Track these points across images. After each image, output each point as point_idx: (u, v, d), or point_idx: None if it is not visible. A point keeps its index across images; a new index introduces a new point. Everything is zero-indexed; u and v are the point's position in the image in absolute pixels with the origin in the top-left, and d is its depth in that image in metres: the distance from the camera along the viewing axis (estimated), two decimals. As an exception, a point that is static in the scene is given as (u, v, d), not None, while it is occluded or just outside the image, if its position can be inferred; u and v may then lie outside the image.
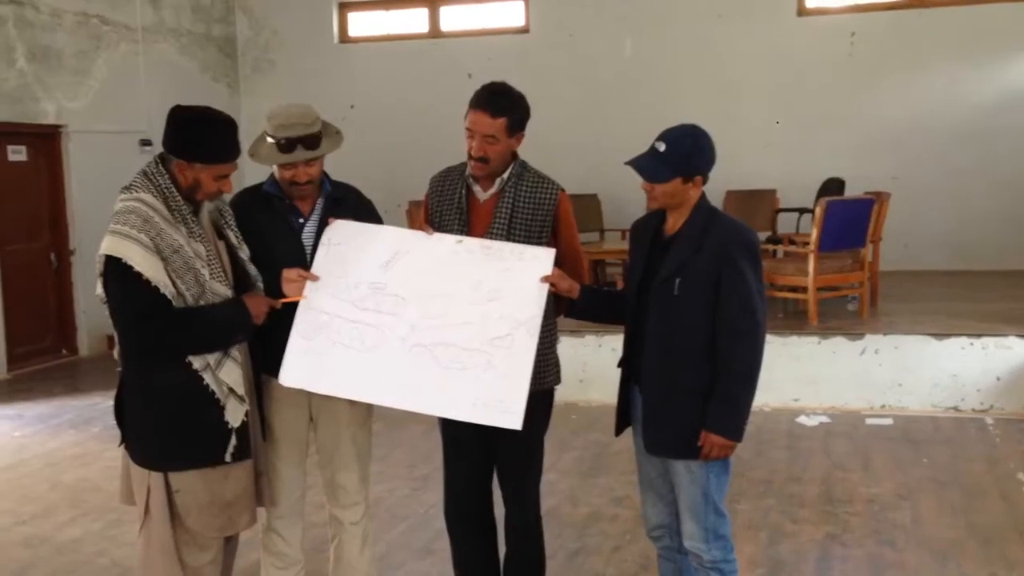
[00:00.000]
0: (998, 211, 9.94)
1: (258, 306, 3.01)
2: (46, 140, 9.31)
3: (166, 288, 2.79)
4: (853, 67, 10.27)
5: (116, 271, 2.79)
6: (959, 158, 10.00)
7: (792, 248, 8.00)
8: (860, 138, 10.18)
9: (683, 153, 2.99)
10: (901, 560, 4.24)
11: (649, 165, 3.00)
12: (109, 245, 2.80)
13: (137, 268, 2.76)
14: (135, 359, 2.93)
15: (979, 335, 6.62)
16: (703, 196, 3.08)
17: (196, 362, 2.89)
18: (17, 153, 9.05)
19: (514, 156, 3.32)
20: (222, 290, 2.94)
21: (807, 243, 7.34)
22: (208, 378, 2.90)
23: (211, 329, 2.91)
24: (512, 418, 3.06)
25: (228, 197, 3.15)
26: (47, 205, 9.38)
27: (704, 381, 3.00)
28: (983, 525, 4.62)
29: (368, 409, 3.42)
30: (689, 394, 3.02)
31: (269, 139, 3.20)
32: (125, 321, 2.86)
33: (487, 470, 3.49)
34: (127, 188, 2.89)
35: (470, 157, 3.24)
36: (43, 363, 9.14)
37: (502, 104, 3.20)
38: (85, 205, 9.38)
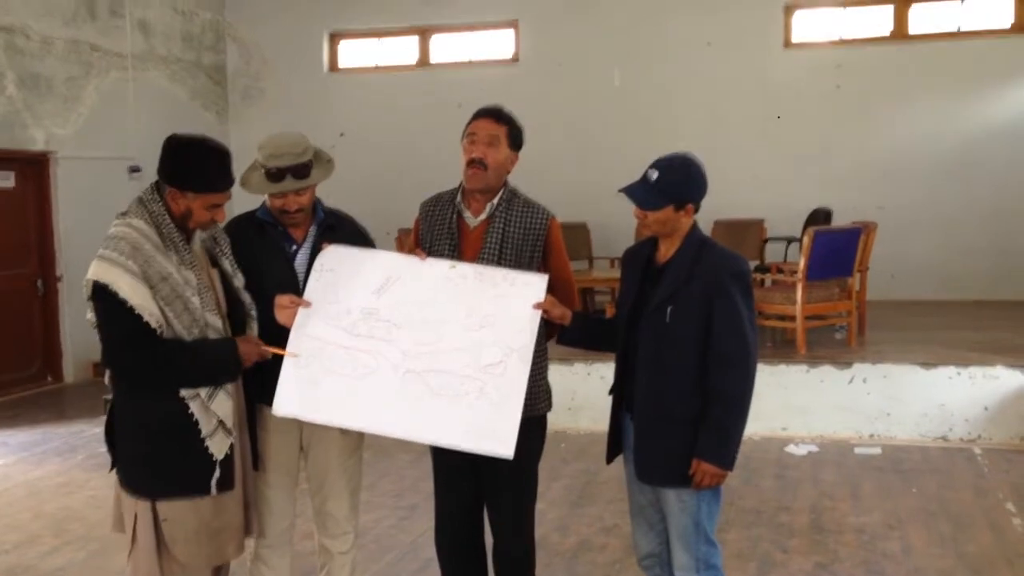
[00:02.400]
0: (984, 241, 10.03)
1: (249, 352, 2.99)
2: (34, 166, 9.29)
3: (151, 316, 2.78)
4: (839, 99, 10.38)
5: (102, 297, 2.78)
6: (945, 188, 10.10)
7: (780, 277, 8.04)
8: (847, 168, 10.28)
9: (675, 181, 3.01)
10: (892, 590, 4.24)
11: (641, 193, 3.02)
12: (96, 271, 2.80)
13: (123, 295, 2.75)
14: (122, 385, 2.92)
15: (967, 365, 6.64)
16: (695, 224, 3.10)
17: (185, 392, 2.87)
18: (5, 179, 9.04)
19: (505, 183, 3.34)
20: (214, 320, 2.93)
21: (795, 272, 7.37)
22: (196, 408, 2.88)
23: (197, 366, 2.89)
24: (504, 447, 3.05)
25: (222, 225, 3.14)
26: (34, 231, 9.35)
27: (695, 409, 3.00)
28: (972, 555, 4.61)
29: (359, 438, 3.40)
30: (680, 422, 3.02)
31: (260, 168, 3.20)
32: (109, 347, 2.85)
33: (478, 498, 3.46)
34: (122, 214, 2.89)
35: (468, 165, 3.25)
36: (29, 390, 9.07)
37: (505, 116, 3.32)
38: (73, 231, 9.35)
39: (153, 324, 2.78)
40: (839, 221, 8.91)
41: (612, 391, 3.29)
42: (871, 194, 10.05)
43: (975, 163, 10.02)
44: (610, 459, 3.31)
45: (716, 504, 3.11)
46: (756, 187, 10.35)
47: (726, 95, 10.60)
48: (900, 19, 10.50)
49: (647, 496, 3.19)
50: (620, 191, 3.06)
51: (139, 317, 2.76)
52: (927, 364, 6.72)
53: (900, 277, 9.95)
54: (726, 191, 9.91)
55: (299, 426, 3.26)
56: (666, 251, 3.10)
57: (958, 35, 10.24)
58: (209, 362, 2.91)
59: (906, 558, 4.60)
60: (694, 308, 2.98)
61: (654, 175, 3.01)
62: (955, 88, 10.14)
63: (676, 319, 3.00)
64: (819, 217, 9.06)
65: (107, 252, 2.80)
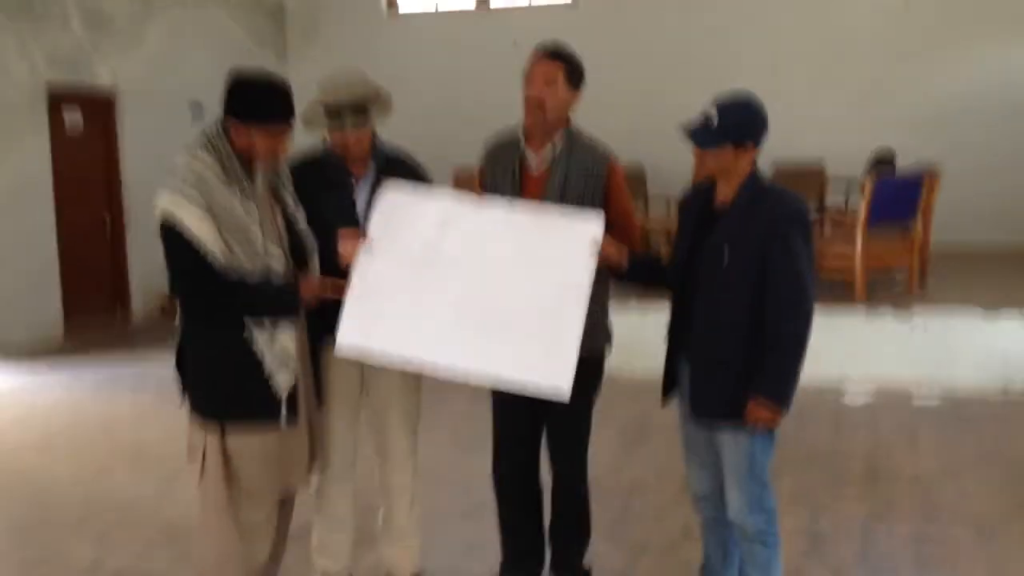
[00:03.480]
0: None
1: (310, 291, 3.06)
2: (101, 104, 9.47)
3: (215, 246, 2.85)
4: (905, 38, 10.09)
5: (169, 231, 2.87)
6: (1013, 131, 9.79)
7: (840, 219, 7.91)
8: (911, 110, 10.03)
9: (736, 121, 2.99)
10: (945, 536, 4.23)
11: (701, 132, 3.00)
12: (164, 201, 2.86)
13: (187, 225, 2.82)
14: (189, 318, 3.01)
15: (1032, 313, 6.52)
16: (755, 166, 3.07)
17: (251, 328, 2.95)
18: (73, 117, 9.22)
19: (567, 123, 3.33)
20: (275, 251, 3.00)
21: (855, 217, 7.25)
22: (261, 344, 2.96)
23: (257, 303, 2.96)
24: (560, 388, 3.07)
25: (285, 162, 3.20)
26: (102, 169, 9.56)
27: (752, 351, 2.99)
28: (1030, 504, 4.59)
29: (418, 375, 3.47)
30: (736, 363, 3.02)
31: (320, 106, 3.25)
32: (175, 279, 2.95)
33: (536, 434, 3.54)
34: (188, 147, 2.96)
35: (526, 106, 3.26)
36: (99, 324, 9.35)
37: (563, 53, 3.31)
38: (138, 170, 9.54)
39: (217, 252, 2.86)
40: (902, 162, 8.72)
41: (668, 333, 3.30)
42: (935, 136, 9.79)
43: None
44: (665, 400, 3.34)
45: (770, 446, 3.13)
46: (817, 129, 10.14)
47: (786, 35, 10.38)
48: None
49: (701, 437, 3.21)
50: (681, 129, 3.04)
51: (204, 253, 2.84)
52: (989, 312, 6.60)
53: (965, 223, 9.71)
54: (786, 133, 9.68)
55: (359, 364, 3.33)
56: (725, 193, 3.08)
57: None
58: (270, 300, 2.98)
59: (961, 505, 4.59)
60: (752, 251, 2.97)
61: (714, 114, 2.98)
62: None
63: (733, 262, 2.99)
64: (883, 159, 8.87)
65: (175, 182, 2.87)
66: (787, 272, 2.95)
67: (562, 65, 3.26)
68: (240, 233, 2.90)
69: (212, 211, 2.85)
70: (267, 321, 2.96)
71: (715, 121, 2.98)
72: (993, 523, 4.35)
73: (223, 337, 2.96)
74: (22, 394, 7.08)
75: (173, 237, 2.86)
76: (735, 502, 3.12)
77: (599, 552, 3.92)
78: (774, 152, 9.46)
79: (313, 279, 3.11)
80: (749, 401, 2.99)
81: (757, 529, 3.09)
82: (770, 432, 3.09)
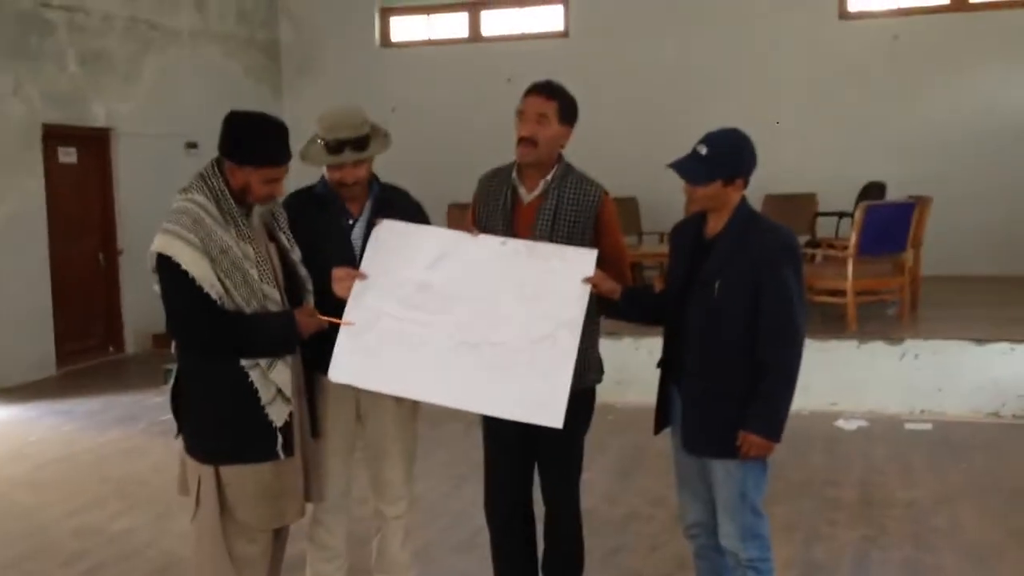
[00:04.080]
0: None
1: (307, 323, 3.08)
2: (96, 142, 9.53)
3: (212, 288, 2.88)
4: (895, 70, 10.22)
5: (165, 268, 2.89)
6: (1004, 161, 9.90)
7: (831, 252, 7.98)
8: (903, 141, 10.12)
9: (724, 156, 3.04)
10: (939, 564, 4.25)
11: (691, 167, 3.05)
12: (160, 243, 2.90)
13: (184, 266, 2.85)
14: (187, 354, 3.03)
15: (1021, 341, 6.56)
16: (744, 199, 3.12)
17: (245, 362, 2.98)
18: (68, 155, 9.28)
19: (560, 158, 3.39)
20: (272, 292, 3.02)
21: (846, 247, 7.32)
22: (255, 377, 2.98)
23: (256, 338, 2.99)
24: (553, 417, 3.11)
25: (280, 199, 3.23)
26: (96, 205, 9.60)
27: (744, 382, 3.03)
28: (1023, 530, 4.59)
29: (414, 406, 3.49)
30: (728, 395, 3.06)
31: (319, 141, 3.29)
32: (172, 317, 2.96)
33: (528, 466, 3.55)
34: (184, 190, 2.99)
35: (519, 142, 3.31)
36: (91, 360, 9.35)
37: (556, 90, 3.34)
38: (133, 206, 9.59)
39: (213, 295, 2.88)
40: (893, 195, 8.81)
41: (660, 364, 3.34)
42: (928, 167, 9.87)
43: (1035, 136, 9.82)
44: (658, 430, 3.37)
45: (763, 476, 3.15)
46: (808, 161, 10.24)
47: (779, 67, 10.49)
48: (956, -12, 10.28)
49: (694, 467, 3.24)
50: (669, 166, 3.09)
51: (200, 288, 2.86)
52: (980, 340, 6.66)
53: (957, 252, 9.77)
54: (778, 164, 9.83)
55: (355, 395, 3.36)
56: (715, 225, 3.12)
57: (1018, 4, 10.00)
58: (268, 334, 3.01)
59: (955, 533, 4.61)
60: (743, 282, 3.01)
61: (704, 150, 3.04)
62: (1014, 58, 9.93)
63: (725, 293, 3.03)
64: (872, 191, 8.97)
65: (170, 225, 2.90)
66: (777, 304, 2.99)
67: (555, 102, 3.31)
68: (237, 274, 2.93)
69: (208, 253, 2.88)
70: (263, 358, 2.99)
71: (705, 157, 3.03)
72: (987, 551, 4.37)
73: (218, 371, 2.98)
74: (14, 427, 7.07)
75: (169, 273, 2.88)
76: (729, 531, 3.14)
77: (594, 583, 3.93)
78: (765, 183, 9.59)
79: (308, 309, 3.13)
80: (741, 433, 3.02)
81: (751, 557, 3.11)
82: (763, 462, 3.12)
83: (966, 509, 4.91)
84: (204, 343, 2.96)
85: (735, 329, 3.02)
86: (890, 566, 4.25)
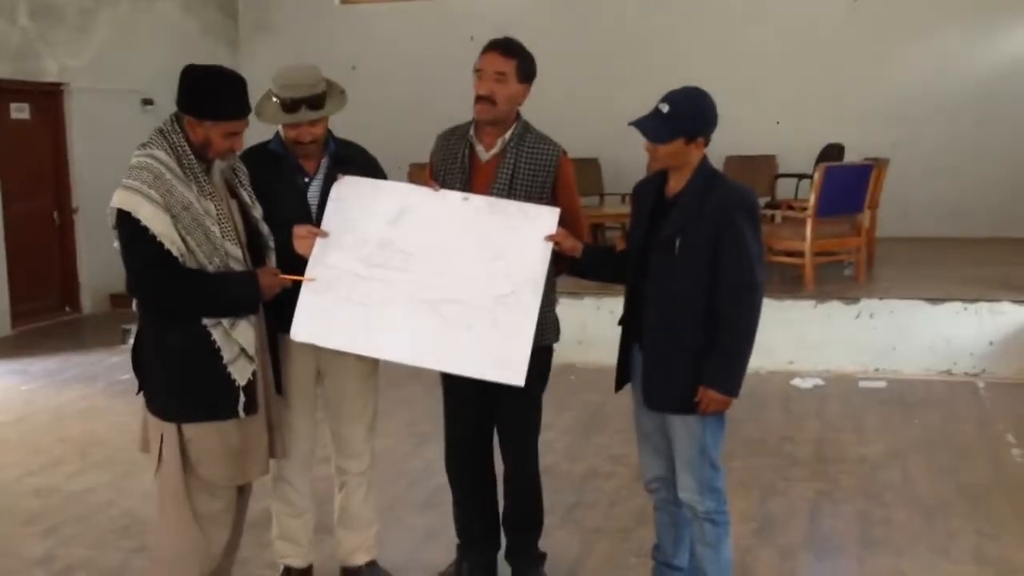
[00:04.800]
0: (999, 178, 9.99)
1: (270, 284, 3.06)
2: (48, 98, 9.34)
3: (172, 244, 2.85)
4: (855, 34, 10.28)
5: (125, 224, 2.86)
6: (961, 125, 10.04)
7: (790, 213, 8.07)
8: (862, 105, 10.22)
9: (686, 115, 3.05)
10: (889, 516, 4.36)
11: (653, 126, 3.06)
12: (119, 199, 2.86)
13: (144, 222, 2.82)
14: (147, 312, 3.01)
15: (974, 300, 6.71)
16: (705, 158, 3.14)
17: (207, 320, 2.96)
18: (20, 111, 9.08)
19: (517, 116, 3.38)
20: (234, 250, 3.00)
21: (805, 208, 7.40)
22: (217, 336, 2.96)
23: (218, 297, 2.97)
24: (515, 375, 3.15)
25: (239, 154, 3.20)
26: (50, 163, 9.43)
27: (703, 339, 3.07)
28: (971, 484, 4.73)
29: (374, 364, 3.51)
30: (688, 352, 3.09)
31: (274, 99, 3.27)
32: (132, 273, 2.93)
33: (487, 424, 3.58)
34: (143, 145, 2.94)
35: (476, 100, 3.30)
36: (47, 320, 9.23)
37: (514, 47, 3.32)
38: (87, 163, 9.43)
39: (175, 252, 2.86)
40: (852, 158, 8.89)
41: (621, 322, 3.37)
42: (886, 130, 9.99)
43: (993, 100, 9.95)
44: (618, 387, 3.40)
45: (721, 430, 3.21)
46: (769, 123, 10.31)
47: (740, 29, 10.50)
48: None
49: (654, 423, 3.28)
50: (631, 124, 3.10)
51: (160, 244, 2.83)
52: (934, 300, 6.79)
53: (913, 214, 9.93)
54: (739, 127, 9.85)
55: (316, 353, 3.36)
56: (676, 184, 3.14)
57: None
58: (231, 294, 2.99)
59: (905, 487, 4.73)
60: (703, 241, 3.04)
61: (666, 108, 3.05)
62: (973, 23, 10.04)
63: (685, 251, 3.06)
64: (831, 153, 9.05)
65: (130, 181, 2.87)
66: (736, 261, 3.03)
67: (514, 60, 3.29)
68: (199, 231, 2.90)
69: (170, 209, 2.84)
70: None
71: (667, 115, 3.04)
72: (936, 504, 4.49)
73: (180, 330, 2.96)
74: (-30, 389, 6.98)
75: (129, 230, 2.85)
76: (687, 484, 3.19)
77: (555, 538, 3.99)
78: (726, 145, 9.65)
79: (271, 269, 3.12)
80: (700, 389, 3.07)
81: (708, 509, 3.17)
82: (720, 417, 3.17)
83: (917, 464, 5.04)
84: (164, 301, 2.94)
85: (694, 286, 3.06)
86: (842, 519, 4.36)
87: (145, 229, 2.83)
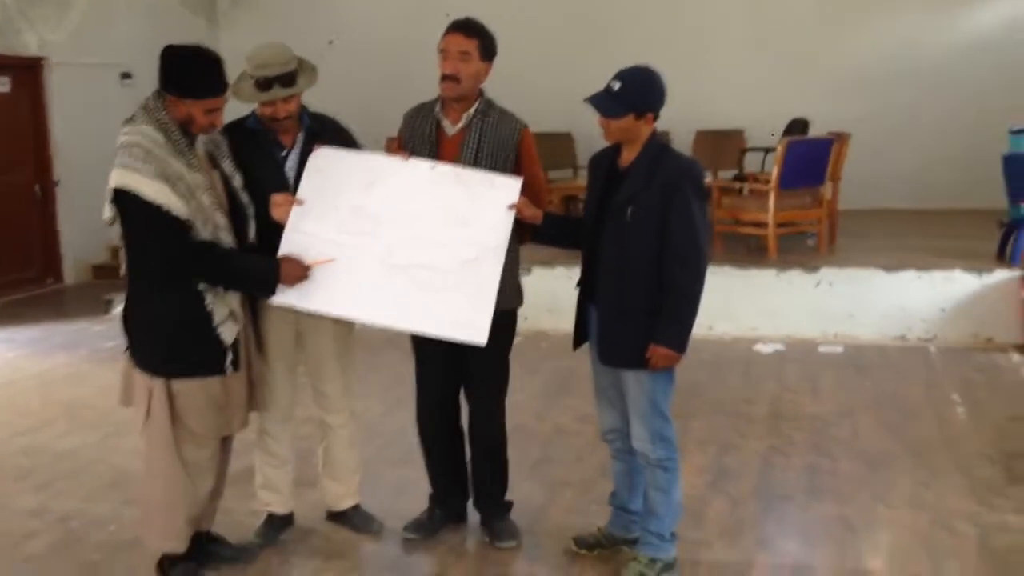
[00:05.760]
0: (960, 150, 10.23)
1: (292, 272, 3.29)
2: (28, 72, 9.43)
3: (179, 211, 3.06)
4: (820, 9, 10.50)
5: (128, 202, 3.05)
6: (922, 99, 10.30)
7: (755, 186, 8.32)
8: (828, 79, 10.45)
9: (636, 91, 3.28)
10: (836, 468, 4.65)
11: (605, 102, 3.29)
12: (117, 178, 3.06)
13: (148, 197, 3.02)
14: (140, 279, 3.21)
15: (928, 269, 7.00)
16: (655, 132, 3.38)
17: (203, 285, 3.18)
18: (1, 85, 9.18)
19: (480, 93, 3.60)
20: (220, 219, 3.22)
21: (769, 181, 7.66)
22: (210, 299, 3.19)
23: (237, 276, 3.24)
24: (478, 335, 3.39)
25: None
26: (30, 137, 9.54)
27: (653, 300, 3.31)
28: (915, 440, 5.02)
29: (350, 325, 3.73)
30: (639, 312, 3.34)
31: (249, 78, 3.46)
32: (142, 250, 3.13)
33: (455, 383, 3.82)
34: (129, 120, 3.15)
35: (442, 79, 3.51)
36: (30, 291, 9.38)
37: (476, 28, 3.53)
38: (68, 136, 9.56)
39: (183, 216, 3.06)
40: (819, 131, 9.14)
41: (579, 284, 3.62)
42: (851, 104, 10.23)
43: (956, 72, 10.20)
44: (576, 346, 3.66)
45: (670, 384, 3.46)
46: (737, 98, 10.53)
47: (708, 6, 10.71)
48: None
49: (609, 378, 3.54)
50: (585, 100, 3.33)
51: (167, 212, 3.04)
52: (890, 268, 7.07)
53: (876, 187, 10.20)
54: (708, 102, 10.18)
55: (295, 314, 3.57)
56: (627, 156, 3.38)
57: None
58: (249, 276, 3.25)
59: (853, 442, 5.02)
60: (652, 208, 3.28)
61: (616, 85, 3.28)
62: (937, -1, 10.30)
63: (636, 218, 3.30)
64: (796, 127, 9.30)
65: (123, 159, 3.06)
66: (682, 227, 3.27)
67: (476, 40, 3.50)
68: (193, 200, 3.12)
69: (168, 179, 3.05)
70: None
71: (617, 92, 3.27)
72: (880, 458, 4.78)
73: (177, 292, 3.17)
74: (-44, 357, 7.16)
75: (133, 206, 3.04)
76: (639, 434, 3.45)
77: (522, 489, 4.24)
78: (696, 119, 9.83)
79: (293, 258, 3.31)
80: (651, 346, 3.32)
81: (659, 456, 3.43)
82: (669, 372, 3.42)
83: (865, 422, 5.33)
84: (179, 265, 3.13)
85: (644, 251, 3.30)
86: (792, 471, 4.64)
87: (149, 204, 3.02)
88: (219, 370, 3.26)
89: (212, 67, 3.19)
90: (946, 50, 10.27)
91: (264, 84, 3.42)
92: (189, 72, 3.15)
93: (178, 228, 3.08)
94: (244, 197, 3.39)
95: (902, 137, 10.34)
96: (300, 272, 3.32)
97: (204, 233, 3.14)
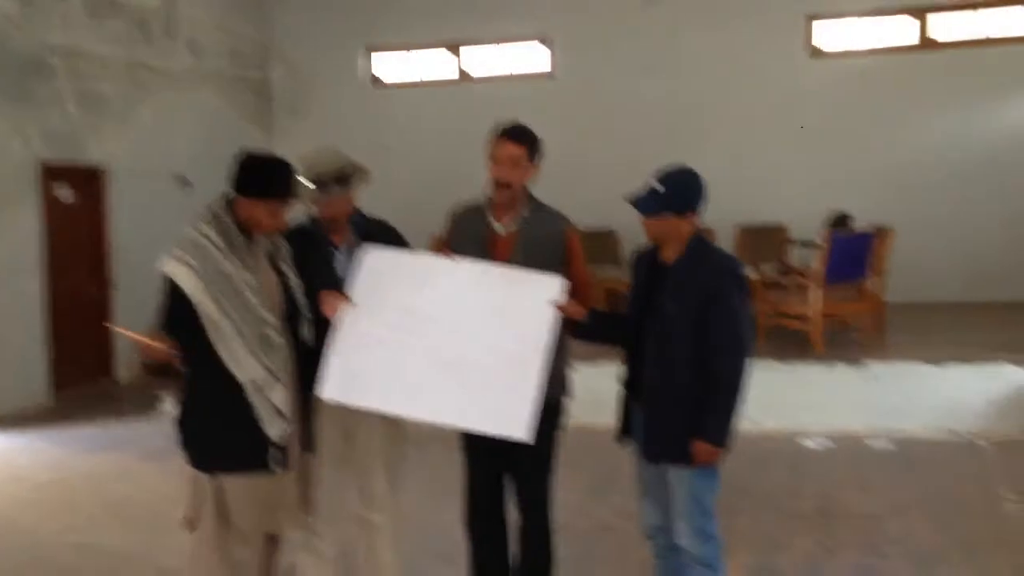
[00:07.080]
0: (1006, 244, 10.24)
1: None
2: (91, 180, 9.83)
3: (199, 303, 3.20)
4: (864, 107, 10.69)
5: (165, 285, 3.26)
6: (969, 193, 10.37)
7: (799, 280, 8.35)
8: (871, 176, 10.57)
9: (675, 191, 3.39)
10: (885, 568, 4.57)
11: (645, 201, 3.40)
12: (165, 265, 3.26)
13: (178, 281, 3.20)
14: (188, 367, 3.34)
15: (977, 363, 6.93)
16: (697, 229, 3.46)
17: (242, 379, 3.28)
18: (64, 193, 9.58)
19: (527, 192, 3.73)
20: (269, 317, 3.33)
21: (809, 275, 7.69)
22: (251, 395, 3.29)
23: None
24: (523, 431, 3.43)
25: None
26: (91, 241, 9.89)
27: (695, 395, 3.36)
28: (968, 538, 4.92)
29: (399, 423, 3.80)
30: (682, 408, 3.38)
31: (306, 179, 3.63)
32: (164, 323, 3.28)
33: (501, 478, 3.86)
34: (195, 221, 3.34)
35: (495, 185, 3.65)
36: (84, 390, 9.58)
37: (526, 134, 3.69)
38: (126, 240, 9.89)
39: (200, 309, 3.20)
40: (861, 226, 9.19)
41: (624, 381, 3.66)
42: (895, 198, 10.33)
43: (998, 168, 10.28)
44: (620, 440, 3.69)
45: (714, 480, 3.47)
46: (780, 194, 10.67)
47: (752, 106, 10.95)
48: (921, 28, 10.76)
49: (652, 474, 3.56)
50: (626, 199, 3.44)
51: (186, 298, 3.20)
52: (938, 362, 7.02)
53: (923, 280, 10.18)
54: (751, 198, 10.32)
55: (344, 412, 3.65)
56: (669, 254, 3.46)
57: (981, 43, 10.49)
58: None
59: (905, 541, 4.92)
60: (694, 304, 3.35)
61: (656, 185, 3.39)
62: (980, 94, 10.44)
63: (678, 314, 3.36)
64: (839, 221, 9.35)
65: (175, 251, 3.27)
66: (723, 319, 3.33)
67: (525, 147, 3.66)
68: (236, 299, 3.25)
69: (205, 275, 3.20)
70: (261, 375, 3.29)
71: (658, 192, 3.38)
72: (932, 556, 4.69)
73: (219, 387, 3.28)
74: (11, 455, 7.31)
75: (169, 289, 3.24)
76: (682, 531, 3.45)
77: (565, 587, 4.21)
78: (738, 214, 9.94)
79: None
80: (693, 441, 3.34)
81: (702, 553, 3.42)
82: (713, 468, 3.43)
83: (917, 519, 5.22)
84: (180, 341, 3.26)
85: (687, 347, 3.35)
86: (840, 571, 4.56)
87: (177, 287, 3.20)
88: (262, 467, 3.32)
89: (284, 172, 3.38)
90: (990, 143, 10.37)
91: (320, 184, 3.59)
92: (262, 174, 3.34)
93: (189, 314, 3.19)
94: (301, 299, 3.51)
95: (948, 230, 10.35)
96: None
97: (246, 329, 3.26)
